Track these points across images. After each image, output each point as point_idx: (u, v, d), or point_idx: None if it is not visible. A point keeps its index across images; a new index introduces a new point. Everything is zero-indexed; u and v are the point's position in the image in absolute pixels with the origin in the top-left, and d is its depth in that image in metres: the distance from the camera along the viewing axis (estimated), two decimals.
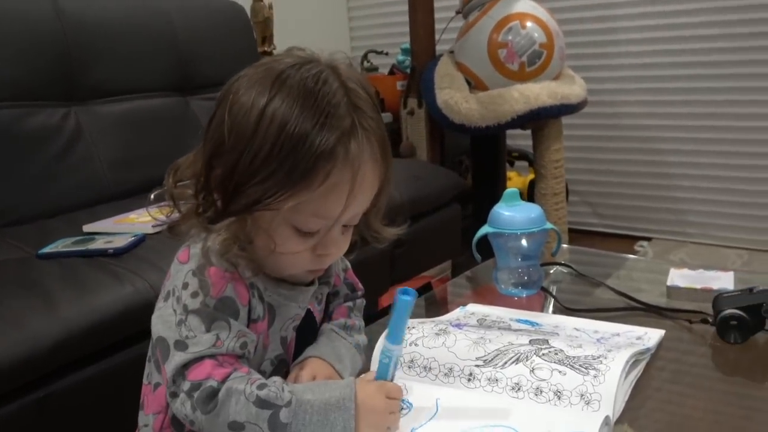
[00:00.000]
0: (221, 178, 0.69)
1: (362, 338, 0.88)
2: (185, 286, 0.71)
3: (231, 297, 0.72)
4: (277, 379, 0.70)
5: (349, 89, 0.69)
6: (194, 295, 0.71)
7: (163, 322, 0.72)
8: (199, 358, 0.68)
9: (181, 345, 0.69)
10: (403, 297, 0.68)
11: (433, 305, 1.23)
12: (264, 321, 0.76)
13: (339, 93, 0.68)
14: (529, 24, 2.34)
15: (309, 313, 0.83)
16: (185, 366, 0.68)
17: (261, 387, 0.67)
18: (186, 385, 0.67)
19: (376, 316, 1.05)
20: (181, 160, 0.75)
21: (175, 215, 0.74)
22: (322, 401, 0.68)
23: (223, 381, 0.67)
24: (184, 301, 0.71)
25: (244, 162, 0.66)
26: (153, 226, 1.47)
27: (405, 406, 0.77)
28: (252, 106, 0.67)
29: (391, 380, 0.74)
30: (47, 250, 1.40)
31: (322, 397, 0.68)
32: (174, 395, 0.69)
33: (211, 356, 0.68)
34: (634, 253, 2.80)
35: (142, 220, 1.55)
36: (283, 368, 0.81)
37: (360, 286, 0.93)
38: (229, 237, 0.69)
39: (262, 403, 0.66)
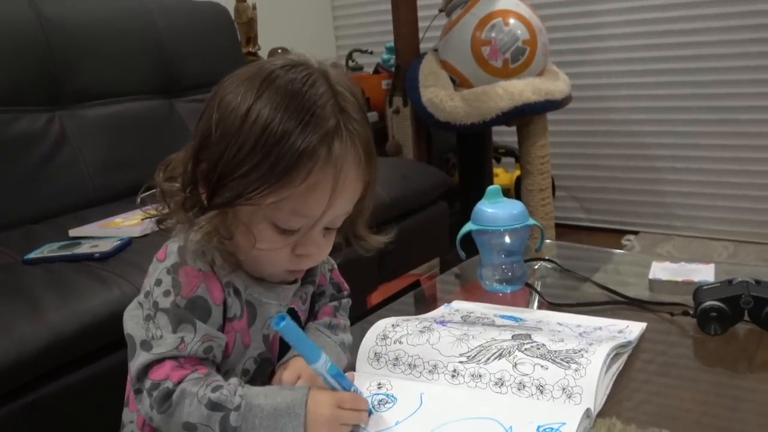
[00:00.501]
0: (206, 171, 0.70)
1: (347, 337, 0.89)
2: (158, 282, 0.73)
3: (202, 297, 0.72)
4: (233, 380, 0.71)
5: (336, 92, 0.70)
6: (166, 293, 0.72)
7: (131, 317, 0.74)
8: (161, 359, 0.70)
9: (146, 345, 0.71)
10: (280, 324, 0.68)
11: (422, 302, 1.24)
12: (243, 319, 0.77)
13: (326, 95, 0.69)
14: (511, 21, 2.35)
15: (294, 312, 0.83)
16: (148, 366, 0.69)
17: (215, 389, 0.68)
18: (147, 384, 0.69)
19: (365, 314, 1.06)
20: (172, 156, 0.76)
21: (165, 210, 0.75)
22: (272, 406, 0.68)
23: (179, 382, 0.68)
24: (155, 297, 0.72)
25: (228, 155, 0.67)
26: (142, 220, 1.47)
27: (389, 400, 0.78)
28: (240, 102, 0.68)
29: (351, 390, 0.74)
30: (33, 255, 1.40)
31: (274, 402, 0.69)
32: (138, 392, 0.70)
33: (173, 358, 0.70)
34: (621, 247, 2.82)
35: (127, 224, 1.55)
36: (267, 367, 0.82)
37: (346, 286, 0.94)
38: (211, 230, 0.70)
39: (213, 406, 0.67)
